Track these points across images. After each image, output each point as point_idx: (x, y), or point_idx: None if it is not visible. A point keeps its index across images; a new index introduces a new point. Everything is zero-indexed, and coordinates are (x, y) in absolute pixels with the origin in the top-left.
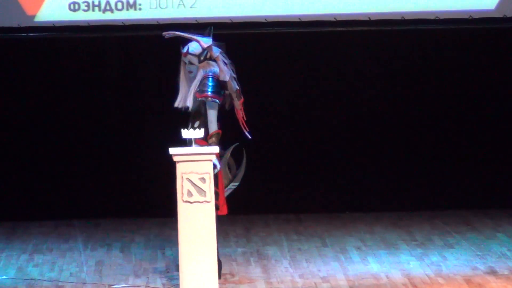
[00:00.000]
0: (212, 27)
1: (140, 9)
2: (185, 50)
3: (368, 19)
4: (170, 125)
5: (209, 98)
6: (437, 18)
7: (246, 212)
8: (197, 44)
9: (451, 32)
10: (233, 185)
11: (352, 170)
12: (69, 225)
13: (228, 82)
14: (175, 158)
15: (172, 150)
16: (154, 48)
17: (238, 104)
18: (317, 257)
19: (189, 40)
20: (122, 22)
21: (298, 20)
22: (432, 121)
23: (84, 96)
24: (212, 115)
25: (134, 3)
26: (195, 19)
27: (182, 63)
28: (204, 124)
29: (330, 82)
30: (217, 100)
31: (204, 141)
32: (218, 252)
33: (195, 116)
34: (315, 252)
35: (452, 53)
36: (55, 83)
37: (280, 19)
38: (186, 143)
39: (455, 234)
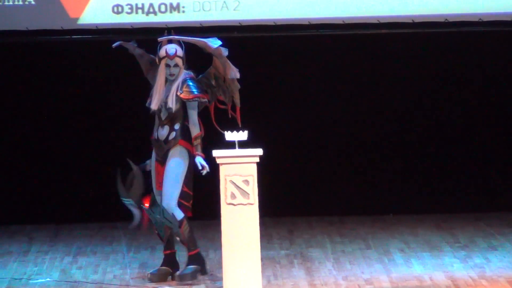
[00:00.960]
0: (172, 30)
1: (183, 11)
2: (173, 53)
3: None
4: (212, 127)
5: (200, 98)
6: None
7: (289, 214)
8: (179, 47)
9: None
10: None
11: (396, 172)
12: (113, 227)
13: (234, 80)
14: (218, 161)
15: (215, 153)
16: (197, 50)
17: (238, 102)
18: (360, 259)
19: (179, 43)
20: (166, 25)
21: (342, 22)
22: (475, 122)
23: (128, 97)
24: (195, 116)
25: (178, 5)
26: (238, 21)
27: (163, 66)
28: (185, 126)
29: (372, 83)
30: (207, 99)
31: (189, 143)
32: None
33: (174, 118)
34: (359, 254)
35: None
36: (98, 85)
37: (326, 22)
38: (231, 145)
39: (499, 236)
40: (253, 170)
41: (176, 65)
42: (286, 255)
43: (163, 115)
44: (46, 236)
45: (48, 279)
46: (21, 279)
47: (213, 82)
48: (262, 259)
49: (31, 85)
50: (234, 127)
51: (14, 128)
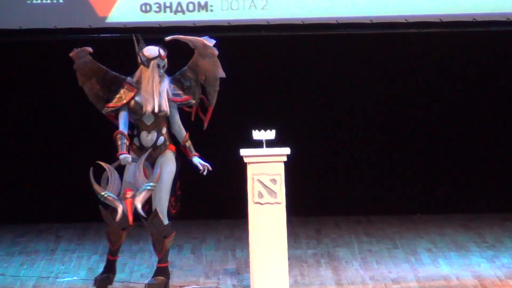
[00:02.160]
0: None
1: (211, 10)
2: (164, 53)
3: (439, 20)
4: (241, 126)
5: (190, 101)
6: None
7: (317, 213)
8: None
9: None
10: (150, 185)
11: (423, 172)
12: (140, 226)
13: (217, 80)
14: (246, 160)
15: (243, 152)
16: (225, 49)
17: (214, 102)
18: (387, 258)
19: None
20: (193, 23)
21: (370, 22)
22: (504, 122)
23: None
24: (179, 118)
25: (206, 4)
26: (267, 20)
27: (154, 67)
28: (169, 129)
29: (402, 82)
30: (194, 101)
31: (175, 146)
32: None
33: (161, 122)
34: (386, 253)
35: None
36: None
37: (352, 21)
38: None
39: None
40: (280, 169)
41: (164, 66)
42: (313, 254)
43: (148, 120)
44: (73, 234)
45: (75, 278)
46: (48, 277)
47: (188, 83)
48: (289, 259)
49: (59, 83)
50: (261, 127)
51: (44, 125)
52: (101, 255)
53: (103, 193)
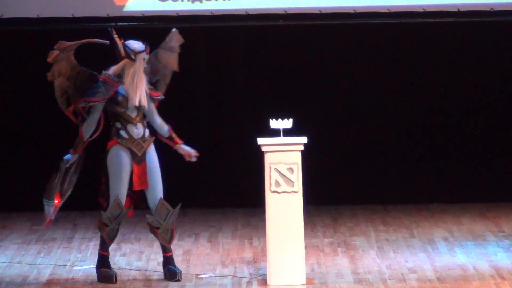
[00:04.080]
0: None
1: None
2: (147, 47)
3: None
4: (258, 115)
5: (161, 96)
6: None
7: (333, 202)
8: None
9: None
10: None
11: (440, 161)
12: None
13: (171, 73)
14: (263, 149)
15: (260, 140)
16: (243, 38)
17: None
18: (404, 248)
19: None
20: (211, 12)
21: (387, 11)
22: None
23: (173, 85)
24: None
25: None
26: (284, 9)
27: (141, 61)
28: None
29: (419, 71)
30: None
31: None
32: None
33: (143, 115)
34: (403, 243)
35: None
36: None
37: (371, 10)
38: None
39: None
40: (297, 158)
41: (146, 60)
42: (329, 243)
43: (133, 113)
44: (90, 223)
45: (91, 266)
46: (65, 265)
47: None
48: (305, 247)
49: None
50: (279, 115)
51: (62, 113)
52: (118, 243)
53: (49, 200)
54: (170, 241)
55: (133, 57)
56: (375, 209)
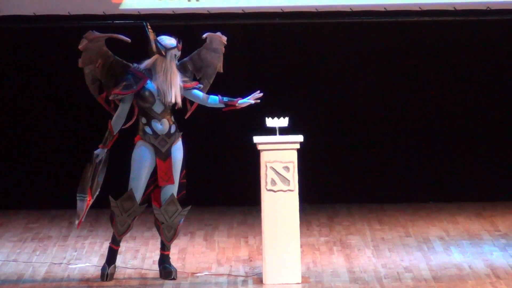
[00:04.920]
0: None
1: None
2: (180, 43)
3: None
4: (254, 113)
5: (200, 85)
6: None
7: (329, 201)
8: None
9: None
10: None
11: (436, 160)
12: (152, 213)
13: (215, 73)
14: (259, 147)
15: (256, 139)
16: (239, 36)
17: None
18: (400, 246)
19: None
20: (207, 11)
21: (384, 9)
22: None
23: None
24: (199, 92)
25: None
26: (280, 7)
27: (172, 57)
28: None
29: (415, 71)
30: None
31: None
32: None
33: (170, 111)
34: (398, 241)
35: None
36: None
37: (368, 8)
38: (272, 131)
39: None
40: (293, 157)
41: (177, 57)
42: (325, 242)
43: (159, 109)
44: (85, 221)
45: (87, 264)
46: (61, 263)
47: (187, 74)
48: (301, 246)
49: (74, 69)
50: (275, 114)
51: (58, 112)
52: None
53: (83, 194)
54: (171, 239)
55: (163, 53)
56: (371, 208)
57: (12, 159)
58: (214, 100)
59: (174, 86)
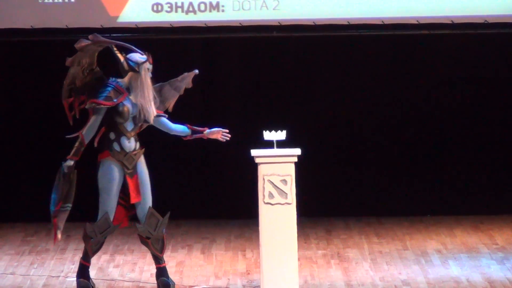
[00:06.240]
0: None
1: (223, 10)
2: (149, 56)
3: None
4: (251, 126)
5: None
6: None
7: (327, 214)
8: None
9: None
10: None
11: (434, 174)
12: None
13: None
14: (256, 160)
15: (253, 152)
16: (237, 49)
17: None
18: (397, 260)
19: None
20: (205, 24)
21: (381, 23)
22: None
23: None
24: (165, 120)
25: (217, 4)
26: (278, 21)
27: (146, 71)
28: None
29: (412, 83)
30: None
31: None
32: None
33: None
34: (396, 255)
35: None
36: None
37: (365, 22)
38: (269, 144)
39: None
40: (291, 170)
41: (150, 70)
42: (323, 255)
43: (129, 126)
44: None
45: None
46: (58, 276)
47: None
48: (299, 259)
49: None
50: (272, 127)
51: (57, 125)
52: (111, 254)
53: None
54: (161, 251)
55: (137, 69)
56: (369, 221)
57: (10, 172)
58: (182, 128)
59: (152, 100)
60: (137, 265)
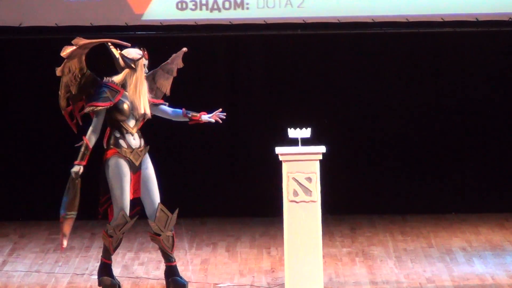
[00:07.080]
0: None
1: (247, 8)
2: (145, 51)
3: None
4: (276, 124)
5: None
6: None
7: (351, 212)
8: None
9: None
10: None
11: (459, 171)
12: (175, 224)
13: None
14: (281, 158)
15: (278, 150)
16: (261, 47)
17: None
18: (422, 257)
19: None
20: (230, 21)
21: (406, 20)
22: None
23: (192, 94)
24: (163, 106)
25: (242, 2)
26: (302, 18)
27: (142, 67)
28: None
29: (438, 81)
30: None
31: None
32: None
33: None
34: (421, 252)
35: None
36: None
37: (389, 19)
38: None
39: None
40: (315, 168)
41: (146, 66)
42: (348, 253)
43: (132, 123)
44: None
45: None
46: (83, 274)
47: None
48: (323, 257)
49: None
50: (297, 125)
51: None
52: (136, 252)
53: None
54: (172, 248)
55: (133, 65)
56: (393, 219)
57: (35, 171)
58: (178, 113)
59: (142, 97)
60: (162, 262)
